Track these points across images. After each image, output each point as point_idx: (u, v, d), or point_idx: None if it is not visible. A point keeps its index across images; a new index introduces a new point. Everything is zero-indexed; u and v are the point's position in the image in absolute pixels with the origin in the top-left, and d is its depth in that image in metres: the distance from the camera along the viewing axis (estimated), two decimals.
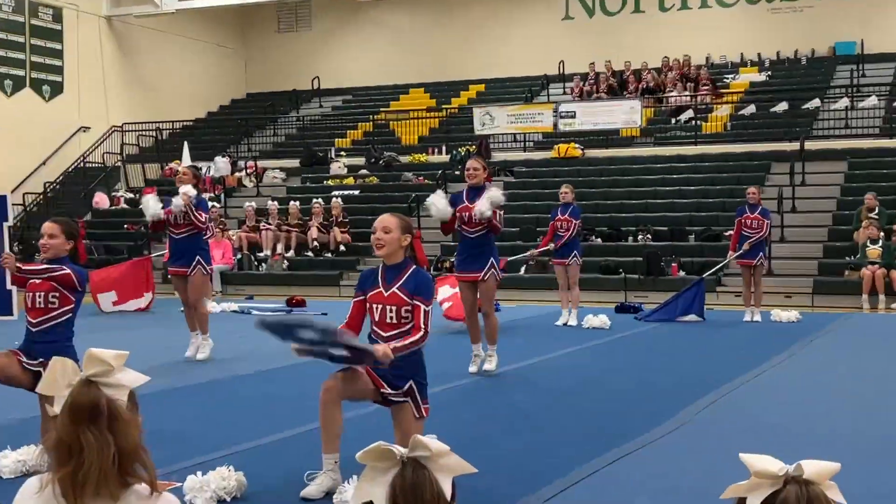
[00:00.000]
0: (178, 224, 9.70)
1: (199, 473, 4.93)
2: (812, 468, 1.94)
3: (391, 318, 5.01)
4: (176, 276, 10.03)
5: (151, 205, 9.87)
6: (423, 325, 4.95)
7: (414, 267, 5.14)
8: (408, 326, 4.99)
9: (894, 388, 8.18)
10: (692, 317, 13.41)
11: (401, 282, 5.02)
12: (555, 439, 6.33)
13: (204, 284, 10.12)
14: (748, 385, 8.33)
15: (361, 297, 5.14)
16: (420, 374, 5.10)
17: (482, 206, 8.27)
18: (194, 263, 9.68)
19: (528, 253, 13.91)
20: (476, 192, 8.54)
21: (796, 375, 9.04)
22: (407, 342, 4.84)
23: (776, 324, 13.11)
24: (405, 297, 4.98)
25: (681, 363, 9.86)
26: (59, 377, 2.48)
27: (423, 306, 4.99)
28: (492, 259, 8.60)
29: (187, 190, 9.51)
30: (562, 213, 12.80)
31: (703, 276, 14.99)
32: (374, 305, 5.05)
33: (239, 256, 19.84)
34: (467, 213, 8.46)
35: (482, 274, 8.50)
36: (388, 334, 4.98)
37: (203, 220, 9.55)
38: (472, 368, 8.80)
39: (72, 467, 2.37)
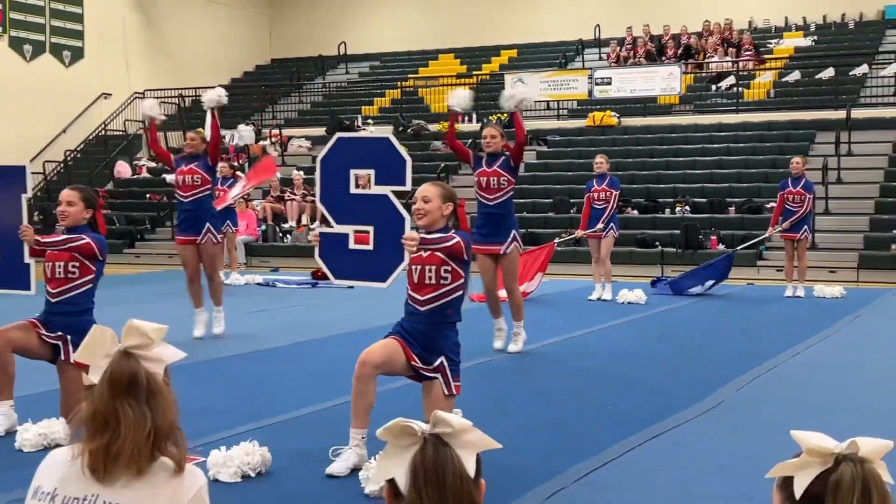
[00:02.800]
0: (186, 185, 9.35)
1: (223, 448, 4.99)
2: (868, 446, 1.90)
3: (429, 277, 5.04)
4: (183, 246, 9.53)
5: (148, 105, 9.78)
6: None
7: (454, 232, 5.14)
8: (445, 286, 5.02)
9: None
10: (720, 290, 13.27)
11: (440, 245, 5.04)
12: (587, 419, 6.33)
13: (217, 253, 9.78)
14: (788, 363, 8.28)
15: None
16: (452, 350, 5.10)
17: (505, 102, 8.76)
18: (204, 231, 9.34)
19: (576, 234, 13.71)
20: (495, 158, 8.54)
21: (840, 353, 8.96)
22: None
23: (819, 300, 12.97)
24: (443, 258, 5.02)
25: (719, 340, 9.81)
26: (98, 346, 2.48)
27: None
28: (513, 231, 8.53)
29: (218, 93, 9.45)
30: (598, 183, 12.69)
31: (737, 248, 14.97)
32: (413, 266, 5.08)
33: (263, 227, 19.96)
34: (485, 178, 8.46)
35: (503, 247, 8.43)
36: (426, 296, 5.02)
37: (217, 143, 9.29)
38: (497, 344, 8.76)
39: (106, 440, 2.38)
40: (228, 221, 13.97)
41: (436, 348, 5.05)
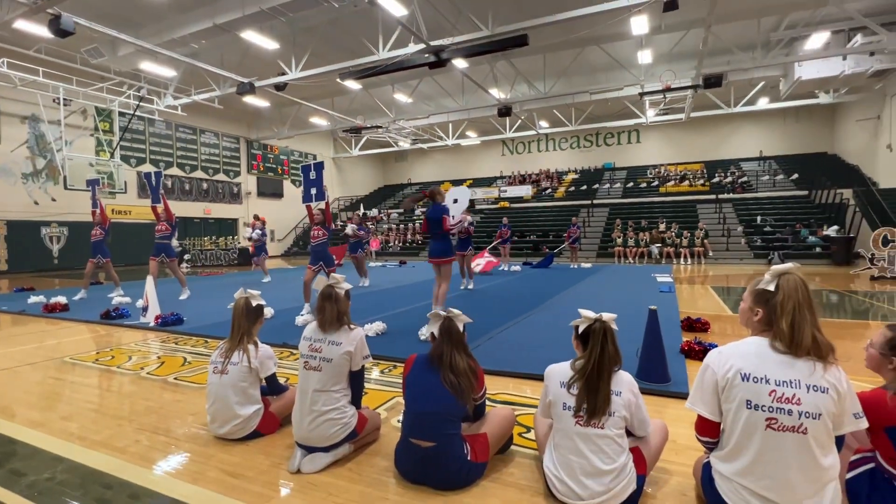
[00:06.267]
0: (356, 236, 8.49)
1: (368, 323, 4.93)
2: (606, 315, 1.90)
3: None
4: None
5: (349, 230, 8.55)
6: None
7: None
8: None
9: (626, 286, 8.01)
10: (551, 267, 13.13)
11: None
12: (493, 313, 6.24)
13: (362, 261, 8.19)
14: (573, 290, 8.19)
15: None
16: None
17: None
18: (359, 251, 8.02)
19: (493, 243, 13.71)
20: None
21: (591, 286, 8.85)
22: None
23: (582, 268, 12.82)
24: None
25: (548, 281, 9.67)
26: (320, 283, 2.47)
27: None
28: (470, 247, 8.18)
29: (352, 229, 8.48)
30: (501, 228, 12.67)
31: (553, 251, 14.83)
32: None
33: (382, 245, 19.67)
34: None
35: (465, 253, 8.06)
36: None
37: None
38: (469, 286, 8.35)
39: (320, 317, 2.37)
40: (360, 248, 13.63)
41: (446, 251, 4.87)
